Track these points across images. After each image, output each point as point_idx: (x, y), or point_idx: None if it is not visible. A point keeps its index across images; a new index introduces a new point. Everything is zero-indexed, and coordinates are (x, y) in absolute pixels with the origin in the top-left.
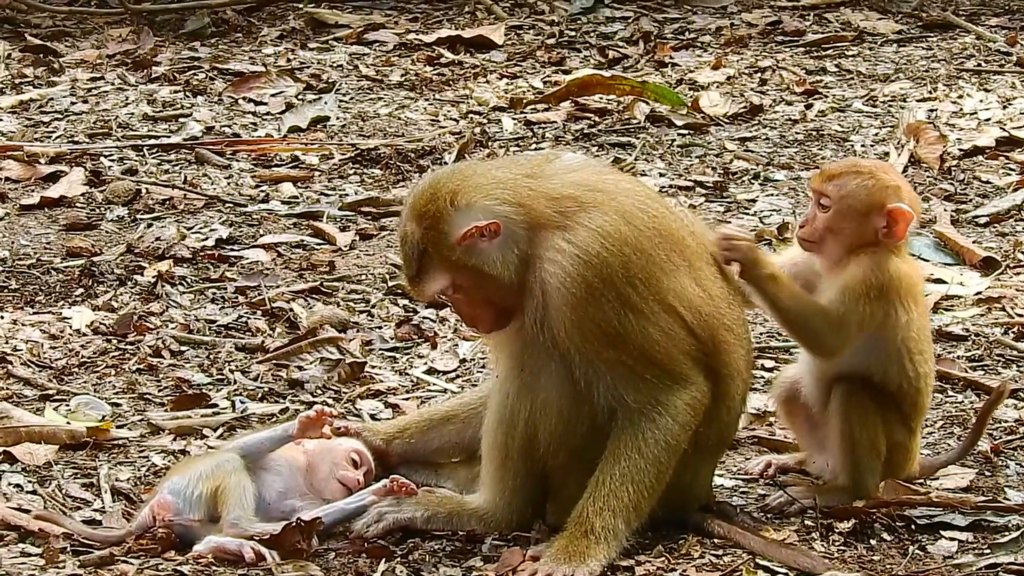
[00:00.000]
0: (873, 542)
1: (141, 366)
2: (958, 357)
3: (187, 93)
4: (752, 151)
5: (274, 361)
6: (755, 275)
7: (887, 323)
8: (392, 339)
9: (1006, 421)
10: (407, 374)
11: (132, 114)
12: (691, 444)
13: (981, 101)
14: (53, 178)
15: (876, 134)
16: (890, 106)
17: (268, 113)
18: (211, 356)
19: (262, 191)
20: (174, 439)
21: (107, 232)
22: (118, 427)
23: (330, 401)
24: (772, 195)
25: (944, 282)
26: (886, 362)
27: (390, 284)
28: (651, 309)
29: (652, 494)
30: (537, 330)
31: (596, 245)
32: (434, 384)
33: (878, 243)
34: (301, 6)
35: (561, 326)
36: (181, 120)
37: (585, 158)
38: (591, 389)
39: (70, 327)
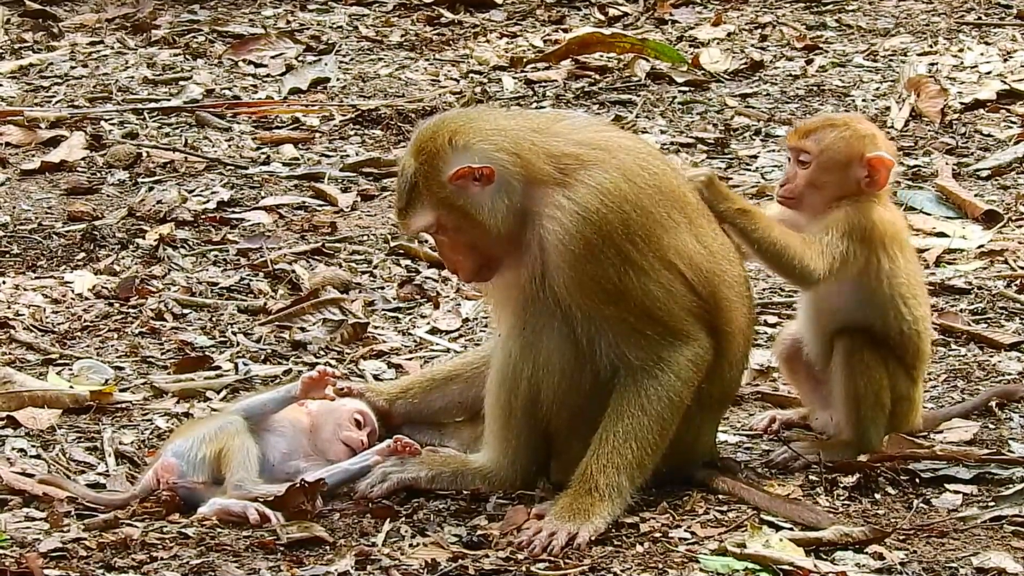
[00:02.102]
0: (877, 496)
1: (143, 329)
2: (961, 310)
3: (187, 56)
4: (753, 107)
5: (276, 323)
6: (726, 211)
7: (871, 270)
8: (394, 299)
9: (1009, 374)
10: (410, 334)
11: (132, 78)
12: (694, 400)
13: (982, 54)
14: (54, 143)
15: (877, 89)
16: (891, 60)
17: (268, 75)
18: (213, 318)
19: (263, 153)
20: (177, 402)
21: (108, 196)
22: (121, 391)
23: (333, 362)
24: (773, 151)
25: (946, 235)
26: (882, 310)
27: (392, 245)
28: (651, 266)
29: (655, 451)
30: (537, 287)
31: (596, 202)
32: (437, 344)
33: (860, 193)
34: None
35: (561, 283)
36: (181, 83)
37: (593, 118)
38: (593, 347)
39: (72, 291)
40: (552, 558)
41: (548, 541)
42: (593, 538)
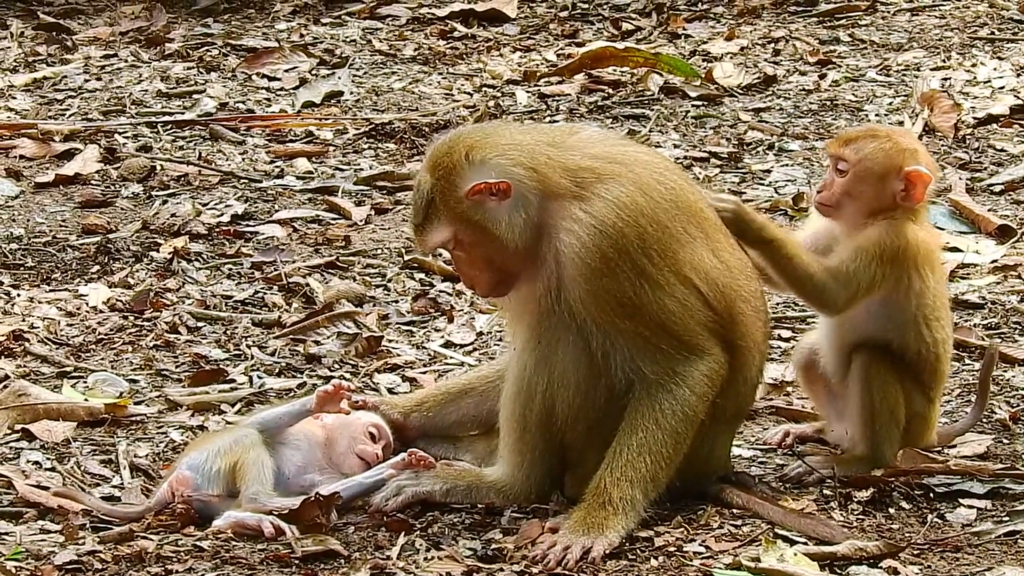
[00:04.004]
0: (892, 511)
1: (158, 342)
2: (975, 325)
3: (200, 69)
4: (766, 121)
5: (291, 336)
6: (752, 235)
7: (900, 288)
8: (409, 313)
9: (1022, 389)
10: (424, 347)
11: (146, 91)
12: (708, 415)
13: (995, 69)
14: (68, 156)
15: (890, 103)
16: (904, 75)
17: (282, 88)
18: (228, 332)
19: (277, 166)
20: (192, 415)
21: (122, 209)
22: (136, 403)
23: (347, 375)
24: (787, 165)
25: (960, 250)
26: (903, 328)
27: (406, 258)
28: (667, 280)
29: (670, 464)
30: (553, 301)
31: (612, 216)
32: (451, 357)
33: (896, 208)
34: None
35: (577, 297)
36: (195, 96)
37: (608, 132)
38: (608, 360)
39: (87, 304)
40: (566, 572)
41: (562, 555)
42: (607, 552)
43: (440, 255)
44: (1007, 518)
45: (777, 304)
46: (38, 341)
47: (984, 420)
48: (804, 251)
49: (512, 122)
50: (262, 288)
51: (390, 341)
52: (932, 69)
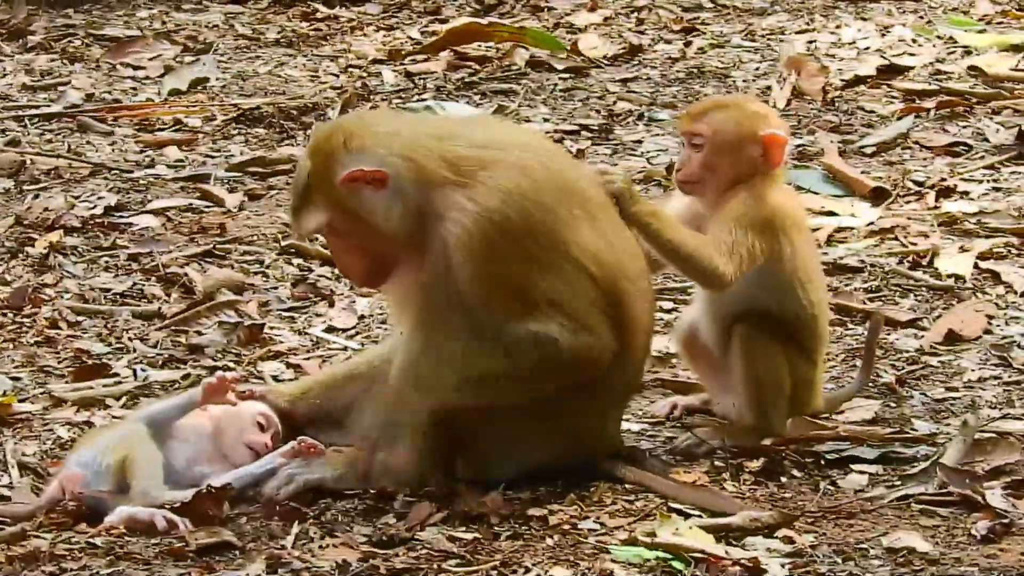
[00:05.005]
0: (784, 479)
1: (39, 338)
2: (855, 289)
3: (64, 61)
4: (634, 92)
5: (172, 327)
6: (635, 213)
7: (774, 255)
8: (289, 299)
9: (907, 351)
10: (306, 333)
11: (11, 85)
12: (599, 392)
13: (859, 30)
14: None
15: (757, 69)
16: (769, 40)
17: (147, 77)
18: (108, 325)
19: (147, 156)
20: (77, 411)
21: None
22: (20, 401)
23: (231, 365)
24: (658, 135)
25: (836, 214)
26: (780, 294)
27: (283, 244)
28: (554, 262)
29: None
30: (440, 287)
31: (497, 202)
32: (334, 342)
33: (755, 174)
34: None
35: (465, 282)
36: (60, 89)
37: (492, 117)
38: (497, 343)
39: None
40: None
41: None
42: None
43: (317, 239)
44: (899, 482)
45: (660, 276)
46: None
47: (870, 385)
48: (686, 229)
49: (398, 111)
50: (140, 280)
51: (272, 328)
52: (797, 32)
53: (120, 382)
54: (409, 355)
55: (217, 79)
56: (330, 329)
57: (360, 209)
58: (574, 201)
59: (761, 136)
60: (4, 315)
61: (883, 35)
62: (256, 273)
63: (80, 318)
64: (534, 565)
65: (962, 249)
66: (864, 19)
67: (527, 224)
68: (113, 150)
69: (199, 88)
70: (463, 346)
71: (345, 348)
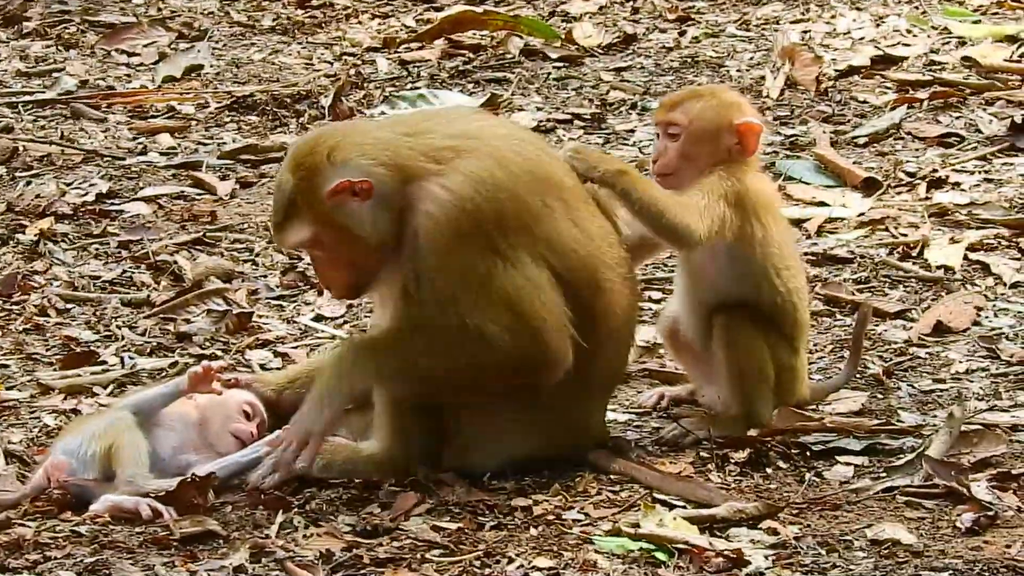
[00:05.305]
0: (769, 470)
1: (28, 326)
2: (845, 280)
3: (59, 47)
4: (628, 81)
5: (161, 315)
6: (604, 174)
7: (744, 238)
8: (278, 287)
9: (895, 343)
10: (295, 322)
11: (5, 71)
12: (582, 383)
13: (854, 20)
14: None
15: (751, 58)
16: (763, 29)
17: (142, 64)
18: (97, 312)
19: (140, 143)
20: (64, 398)
21: None
22: (7, 388)
23: (219, 353)
24: (650, 124)
25: (827, 205)
26: (755, 281)
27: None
28: (519, 258)
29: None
30: (415, 279)
31: (470, 190)
32: (322, 331)
33: (732, 161)
34: None
35: (433, 270)
36: (55, 75)
37: (464, 109)
38: (466, 334)
39: None
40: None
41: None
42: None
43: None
44: (884, 474)
45: (647, 265)
46: None
47: (858, 376)
48: (657, 185)
49: (371, 119)
50: (130, 267)
51: (260, 317)
52: (791, 22)
53: (108, 370)
54: (366, 340)
55: (211, 66)
56: (318, 318)
57: (346, 221)
58: (550, 191)
59: (736, 124)
60: None
61: (878, 25)
62: (245, 261)
63: (69, 305)
64: (518, 555)
65: (952, 240)
66: (859, 9)
67: (498, 214)
68: (106, 137)
69: (193, 75)
70: (408, 335)
71: (333, 337)
